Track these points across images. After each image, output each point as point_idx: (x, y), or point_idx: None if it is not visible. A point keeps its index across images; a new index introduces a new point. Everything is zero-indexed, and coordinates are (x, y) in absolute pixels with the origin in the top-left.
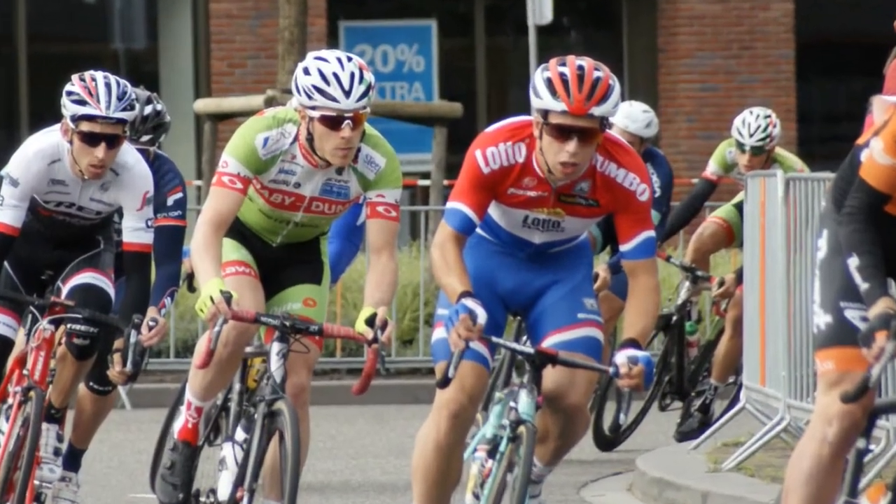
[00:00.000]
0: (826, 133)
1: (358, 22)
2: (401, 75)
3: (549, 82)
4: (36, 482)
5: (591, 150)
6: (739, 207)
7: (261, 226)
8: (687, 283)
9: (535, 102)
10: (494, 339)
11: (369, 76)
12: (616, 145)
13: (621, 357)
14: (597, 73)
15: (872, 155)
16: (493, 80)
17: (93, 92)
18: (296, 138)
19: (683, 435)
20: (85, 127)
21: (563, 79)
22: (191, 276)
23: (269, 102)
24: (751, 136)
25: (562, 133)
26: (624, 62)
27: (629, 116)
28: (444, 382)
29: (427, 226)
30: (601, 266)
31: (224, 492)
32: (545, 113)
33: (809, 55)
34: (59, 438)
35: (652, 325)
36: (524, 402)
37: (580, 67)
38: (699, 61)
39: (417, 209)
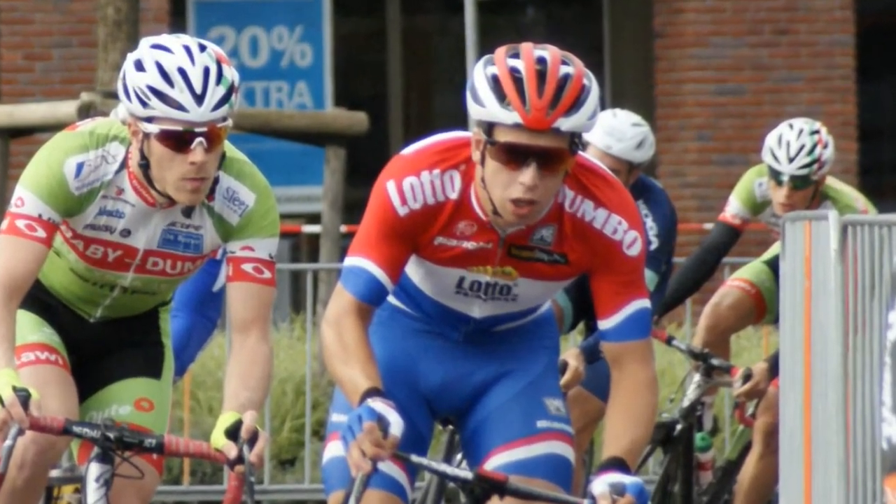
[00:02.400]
0: None
1: None
2: (278, 72)
3: (495, 82)
4: None
5: (557, 181)
6: (774, 265)
7: (72, 292)
8: (697, 377)
9: (476, 112)
10: (415, 457)
11: (231, 73)
12: (593, 175)
13: (601, 485)
14: (565, 69)
15: None
16: (414, 80)
17: None
18: (124, 164)
19: None
20: None
21: (516, 77)
22: None
23: (85, 111)
24: (791, 160)
25: (514, 156)
26: (605, 53)
27: (613, 132)
28: None
29: (316, 292)
30: (571, 351)
31: None
32: (490, 127)
33: (875, 43)
34: None
35: (646, 437)
36: None
37: (541, 60)
38: (714, 51)
39: (302, 268)
